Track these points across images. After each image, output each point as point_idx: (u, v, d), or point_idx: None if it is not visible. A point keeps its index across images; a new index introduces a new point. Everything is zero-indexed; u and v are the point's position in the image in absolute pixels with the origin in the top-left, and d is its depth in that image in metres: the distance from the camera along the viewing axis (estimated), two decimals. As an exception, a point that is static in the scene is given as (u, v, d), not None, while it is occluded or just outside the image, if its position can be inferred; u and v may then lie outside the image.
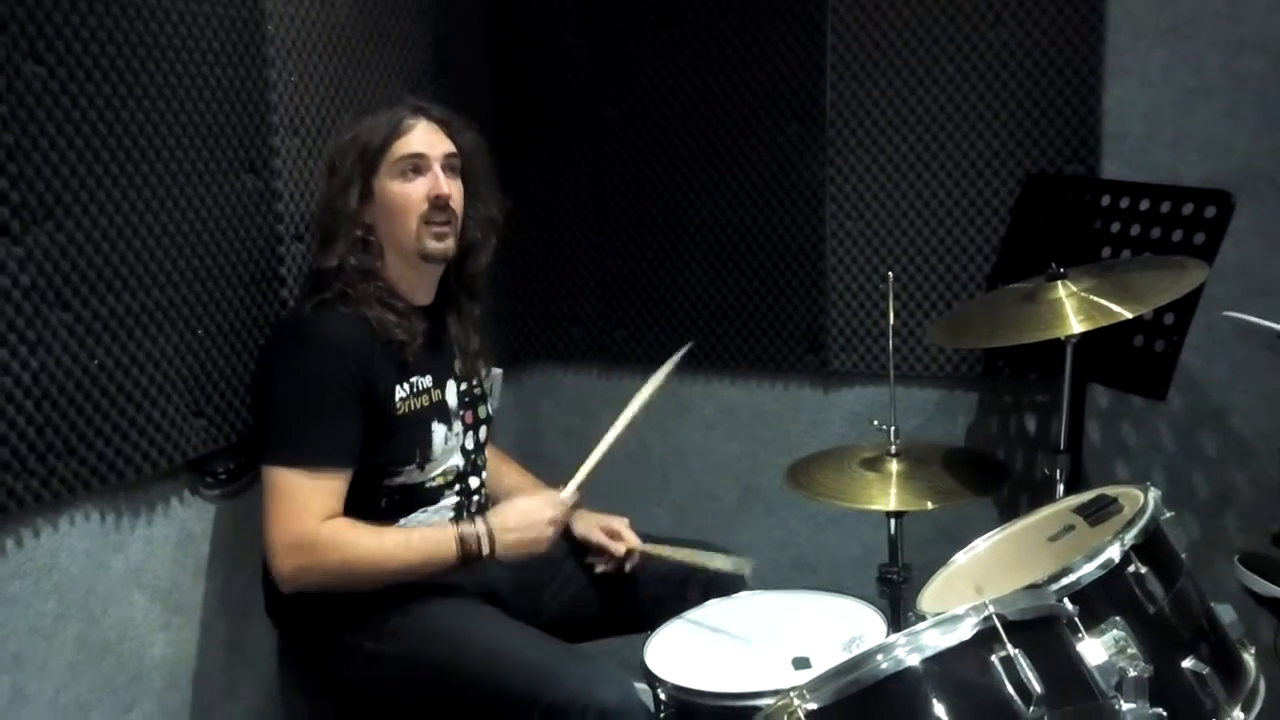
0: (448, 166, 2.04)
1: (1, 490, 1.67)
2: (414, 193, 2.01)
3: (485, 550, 1.97)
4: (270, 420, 1.96)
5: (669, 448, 3.03)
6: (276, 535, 1.89)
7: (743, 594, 2.15)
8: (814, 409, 2.89)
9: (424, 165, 2.02)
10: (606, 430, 2.16)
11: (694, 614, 2.07)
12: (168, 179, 1.92)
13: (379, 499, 2.00)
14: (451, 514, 2.09)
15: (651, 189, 2.92)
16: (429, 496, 2.06)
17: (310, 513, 1.89)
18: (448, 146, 2.05)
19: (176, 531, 2.02)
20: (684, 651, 1.94)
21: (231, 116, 2.05)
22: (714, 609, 2.09)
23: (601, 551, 2.20)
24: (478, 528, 1.98)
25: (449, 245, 2.05)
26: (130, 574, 1.94)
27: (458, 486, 2.11)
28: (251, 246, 2.10)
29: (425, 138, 2.03)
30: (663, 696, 1.83)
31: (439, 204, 2.01)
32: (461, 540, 1.96)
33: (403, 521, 2.02)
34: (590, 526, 2.22)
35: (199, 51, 1.97)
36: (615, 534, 2.20)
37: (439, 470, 2.07)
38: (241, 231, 2.08)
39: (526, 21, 2.97)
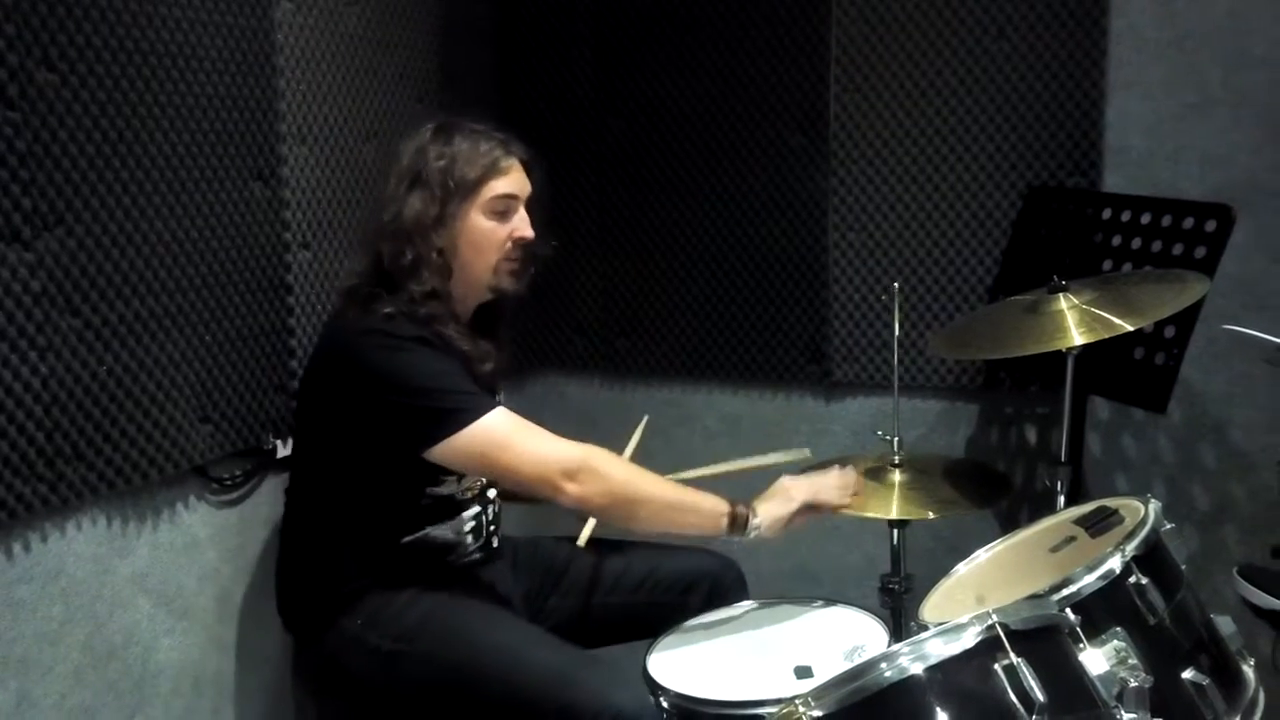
0: (528, 208, 2.10)
1: (9, 494, 1.68)
2: (500, 232, 2.05)
3: (748, 515, 2.00)
4: (425, 398, 1.90)
5: (671, 457, 3.03)
6: (544, 469, 1.91)
7: (745, 603, 2.16)
8: (816, 419, 2.90)
9: (514, 208, 2.07)
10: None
11: (696, 622, 2.08)
12: (177, 186, 1.93)
13: (418, 500, 2.01)
14: (473, 522, 2.10)
15: (655, 199, 2.93)
16: (457, 508, 2.07)
17: (555, 439, 1.93)
18: (529, 188, 2.11)
19: (183, 537, 2.03)
20: (686, 660, 1.95)
21: (241, 125, 2.06)
22: (716, 618, 2.10)
23: None
24: (740, 503, 2.02)
25: (518, 282, 2.10)
26: (136, 579, 1.94)
27: (480, 498, 2.12)
28: (259, 254, 2.12)
29: (519, 180, 2.08)
30: (665, 705, 1.84)
31: (522, 245, 2.07)
32: (732, 504, 2.00)
33: (431, 529, 2.03)
34: None
35: (209, 60, 1.99)
36: None
37: (468, 481, 2.08)
38: (250, 239, 2.09)
39: (532, 32, 2.99)
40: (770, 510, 2.03)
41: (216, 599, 2.11)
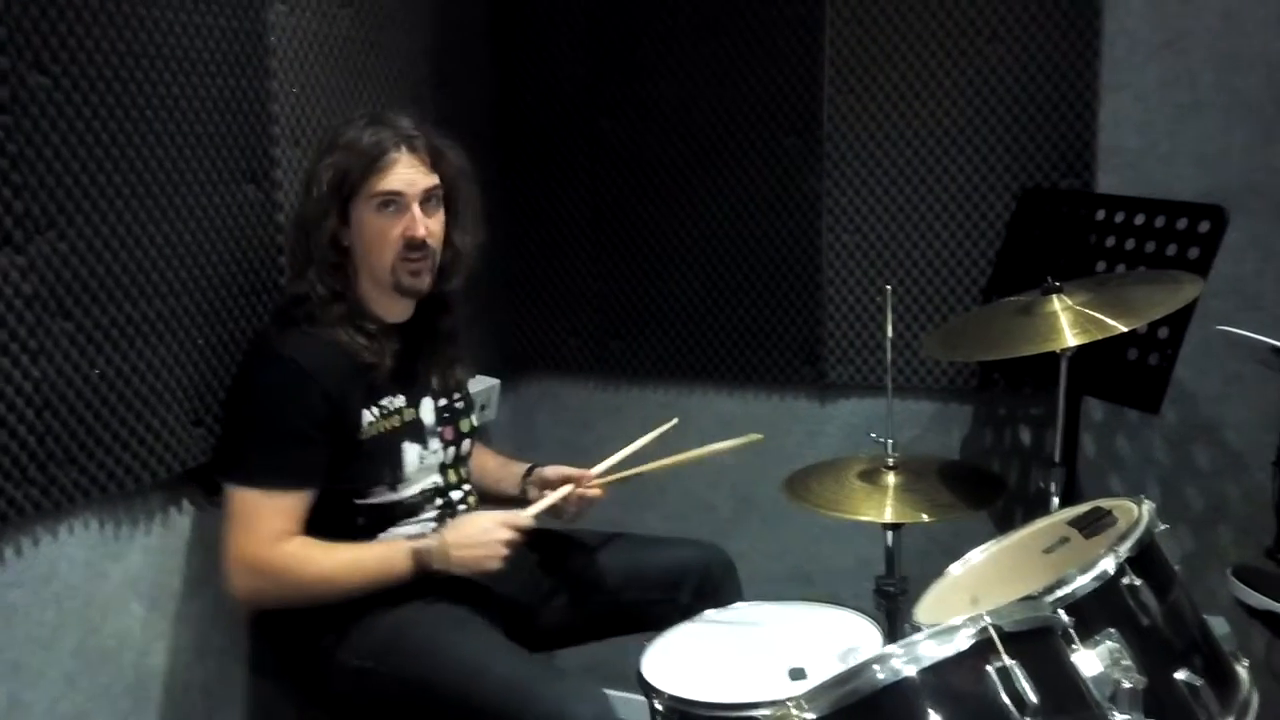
0: (428, 200, 2.02)
1: (1, 498, 1.67)
2: (390, 230, 1.99)
3: (437, 566, 1.97)
4: (232, 439, 1.99)
5: (663, 457, 3.03)
6: (232, 556, 1.92)
7: (739, 605, 2.16)
8: (811, 421, 2.90)
9: (402, 203, 1.99)
10: (600, 458, 2.23)
11: (690, 624, 2.08)
12: (169, 189, 1.92)
13: (354, 517, 2.00)
14: (432, 527, 2.08)
15: (649, 200, 2.93)
16: (407, 511, 2.06)
17: (264, 535, 1.90)
18: (428, 181, 2.02)
19: (175, 541, 2.03)
20: (680, 662, 1.95)
21: (233, 127, 2.06)
22: (710, 619, 2.10)
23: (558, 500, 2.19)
24: (430, 543, 1.97)
25: (424, 281, 2.05)
26: (129, 583, 1.94)
27: (438, 501, 2.11)
28: (252, 257, 2.11)
29: (405, 174, 1.99)
30: (659, 707, 1.84)
31: (413, 244, 2.00)
32: (414, 556, 1.96)
33: (382, 536, 2.03)
34: (545, 476, 2.25)
35: (201, 62, 1.98)
36: (566, 478, 2.21)
37: (415, 489, 2.07)
38: (242, 242, 2.09)
39: (526, 33, 2.99)
40: (462, 555, 1.97)
41: (210, 603, 2.10)
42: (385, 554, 1.98)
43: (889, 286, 2.29)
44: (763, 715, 1.53)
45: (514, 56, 3.00)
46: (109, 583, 1.90)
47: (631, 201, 2.95)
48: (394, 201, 1.99)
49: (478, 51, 2.94)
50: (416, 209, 2.00)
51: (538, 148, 3.01)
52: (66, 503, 1.78)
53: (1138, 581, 1.62)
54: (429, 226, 2.02)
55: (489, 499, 2.29)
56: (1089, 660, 1.53)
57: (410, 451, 2.06)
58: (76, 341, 1.77)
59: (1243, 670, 1.72)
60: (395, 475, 2.03)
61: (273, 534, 1.91)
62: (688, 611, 2.12)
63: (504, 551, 1.99)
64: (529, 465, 2.32)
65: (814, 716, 1.39)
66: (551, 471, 2.25)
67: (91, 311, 1.79)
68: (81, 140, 1.76)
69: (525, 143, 3.01)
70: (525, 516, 2.06)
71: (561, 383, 3.13)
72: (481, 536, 1.99)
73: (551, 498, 2.16)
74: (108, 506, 1.89)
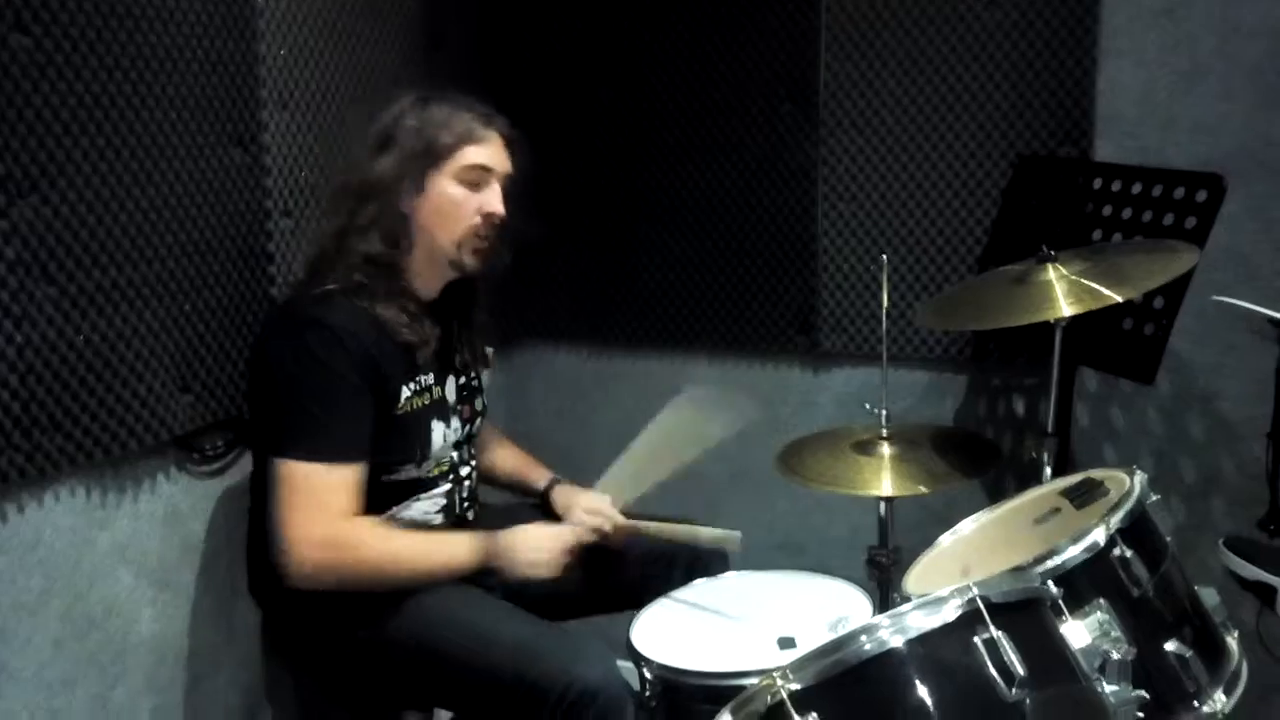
0: (504, 186, 2.04)
1: (-13, 465, 1.66)
2: (470, 203, 2.00)
3: (500, 563, 1.98)
4: (284, 411, 1.90)
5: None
6: (297, 531, 1.86)
7: (729, 574, 2.16)
8: (804, 390, 2.89)
9: (486, 180, 2.01)
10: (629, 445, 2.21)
11: (681, 593, 2.08)
12: (155, 152, 1.90)
13: (374, 491, 1.98)
14: (443, 500, 2.08)
15: (643, 168, 2.91)
16: (423, 486, 2.06)
17: (334, 509, 1.87)
18: (509, 167, 2.05)
19: (163, 508, 2.02)
20: (670, 630, 1.95)
21: (220, 89, 2.03)
22: (701, 588, 2.10)
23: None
24: (497, 544, 1.98)
25: (481, 262, 2.04)
26: (116, 550, 1.93)
27: (450, 476, 2.11)
28: (240, 221, 2.09)
29: (495, 154, 2.02)
30: (648, 675, 1.84)
31: (492, 222, 2.01)
32: (480, 549, 1.96)
33: (396, 509, 2.01)
34: (571, 504, 2.18)
35: (188, 24, 1.95)
36: (596, 512, 2.16)
37: (434, 465, 2.07)
38: (230, 206, 2.06)
39: (519, -2, 2.95)
40: (528, 558, 1.99)
41: (198, 570, 2.10)
42: (451, 541, 1.98)
43: (884, 256, 2.27)
44: (750, 684, 1.52)
45: (507, 21, 2.97)
46: (96, 549, 1.89)
47: (626, 169, 2.92)
48: (481, 177, 2.00)
49: (470, 15, 2.90)
50: (497, 186, 2.02)
51: (531, 115, 2.96)
52: (52, 469, 1.77)
53: (1128, 553, 1.61)
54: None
55: (495, 487, 2.28)
56: (1078, 631, 1.52)
57: (437, 429, 2.05)
58: (61, 307, 1.75)
59: (1233, 641, 1.71)
60: (424, 452, 2.03)
61: (342, 508, 1.87)
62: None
63: (561, 562, 2.01)
64: (551, 478, 2.31)
65: (799, 686, 1.39)
66: (584, 500, 2.18)
67: (76, 276, 1.77)
68: (64, 102, 1.74)
69: (518, 109, 2.95)
70: (586, 535, 2.08)
71: (555, 351, 3.11)
72: (544, 543, 2.01)
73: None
74: (94, 473, 1.87)
